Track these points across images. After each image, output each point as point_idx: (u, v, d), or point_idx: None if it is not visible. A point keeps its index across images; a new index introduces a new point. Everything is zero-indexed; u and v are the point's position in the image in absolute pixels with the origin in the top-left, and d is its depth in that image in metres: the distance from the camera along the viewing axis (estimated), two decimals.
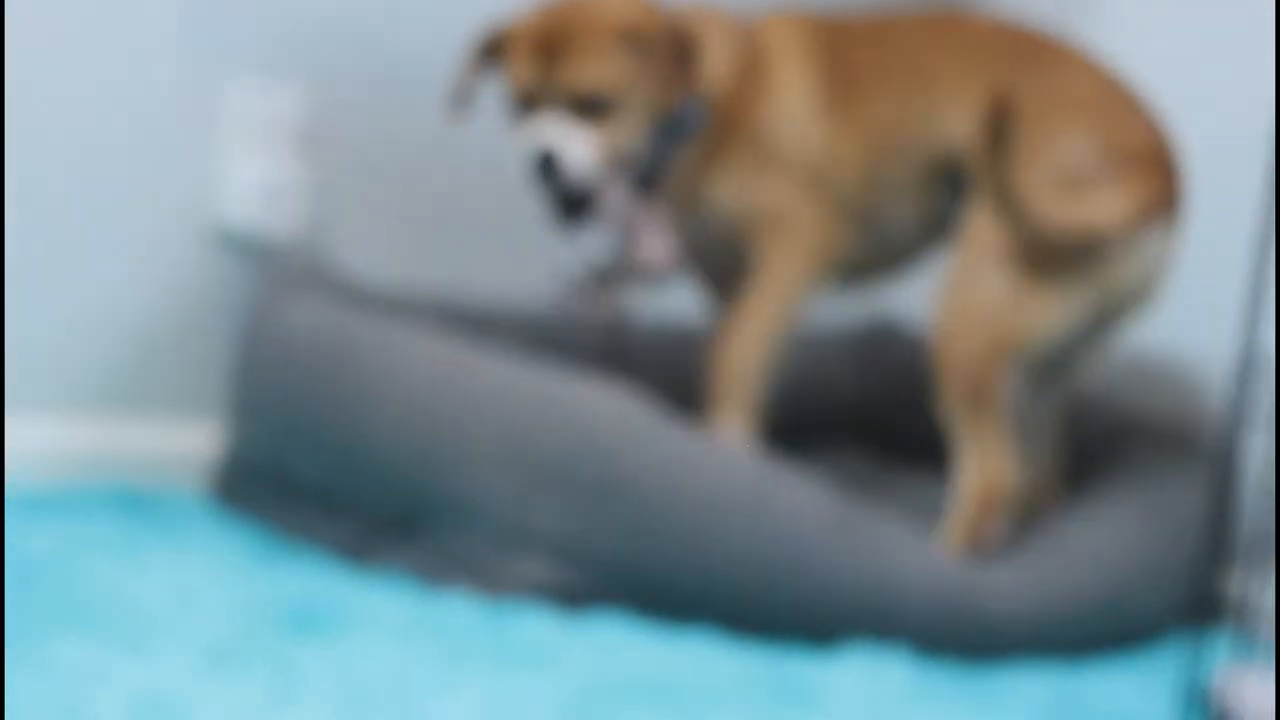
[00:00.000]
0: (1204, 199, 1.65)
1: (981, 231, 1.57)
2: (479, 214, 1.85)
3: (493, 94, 1.79)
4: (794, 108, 1.63)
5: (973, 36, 1.67)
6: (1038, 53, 1.64)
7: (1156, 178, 1.57)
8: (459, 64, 1.59)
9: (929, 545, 1.52)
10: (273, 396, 1.59)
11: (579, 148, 1.54)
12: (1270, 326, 1.40)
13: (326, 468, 1.54)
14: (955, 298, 1.58)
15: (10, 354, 1.60)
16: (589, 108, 1.54)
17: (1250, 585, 1.51)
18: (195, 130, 1.70)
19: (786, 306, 1.62)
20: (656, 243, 1.57)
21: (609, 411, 1.48)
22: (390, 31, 1.78)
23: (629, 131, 1.56)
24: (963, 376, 1.56)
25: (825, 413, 1.87)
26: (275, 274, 1.66)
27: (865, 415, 1.93)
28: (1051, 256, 1.54)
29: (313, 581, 1.44)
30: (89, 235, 1.66)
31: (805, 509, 1.48)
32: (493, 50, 1.58)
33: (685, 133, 1.59)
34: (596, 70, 1.54)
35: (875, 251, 1.69)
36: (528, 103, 1.56)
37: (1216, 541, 1.44)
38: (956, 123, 1.61)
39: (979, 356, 1.56)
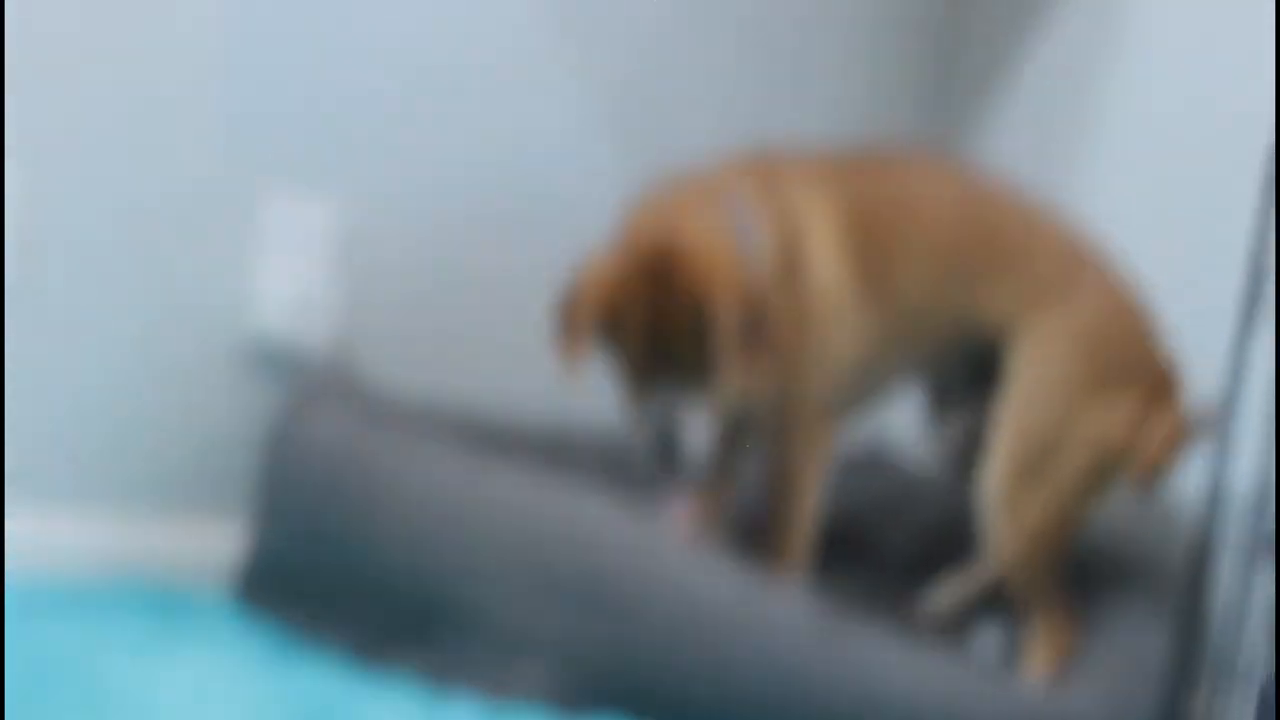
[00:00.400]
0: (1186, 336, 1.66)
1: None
2: (502, 328, 1.83)
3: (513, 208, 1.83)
4: (839, 307, 1.59)
5: (1002, 236, 1.64)
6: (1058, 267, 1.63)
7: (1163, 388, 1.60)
8: (559, 329, 1.50)
9: (916, 657, 1.50)
10: (294, 502, 1.59)
11: (698, 432, 1.51)
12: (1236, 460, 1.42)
13: (343, 572, 1.54)
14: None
15: (45, 452, 1.62)
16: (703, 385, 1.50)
17: (1218, 709, 1.51)
18: (230, 241, 1.70)
19: (823, 476, 1.63)
20: (681, 519, 1.59)
21: (607, 527, 1.48)
22: (423, 148, 1.79)
23: (728, 397, 1.51)
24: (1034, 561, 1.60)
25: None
26: (302, 385, 1.66)
27: (854, 535, 1.90)
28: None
29: (326, 683, 1.43)
30: (125, 341, 1.66)
31: (793, 620, 1.47)
32: (592, 311, 1.49)
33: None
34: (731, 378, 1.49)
35: (877, 398, 1.71)
36: (640, 379, 1.51)
37: (1185, 673, 1.45)
38: (985, 312, 1.62)
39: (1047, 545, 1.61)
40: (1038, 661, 1.63)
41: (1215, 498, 1.36)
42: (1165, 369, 1.61)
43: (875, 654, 1.49)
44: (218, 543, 1.69)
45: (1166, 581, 1.68)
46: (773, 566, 1.61)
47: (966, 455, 1.72)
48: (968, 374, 1.70)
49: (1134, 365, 1.61)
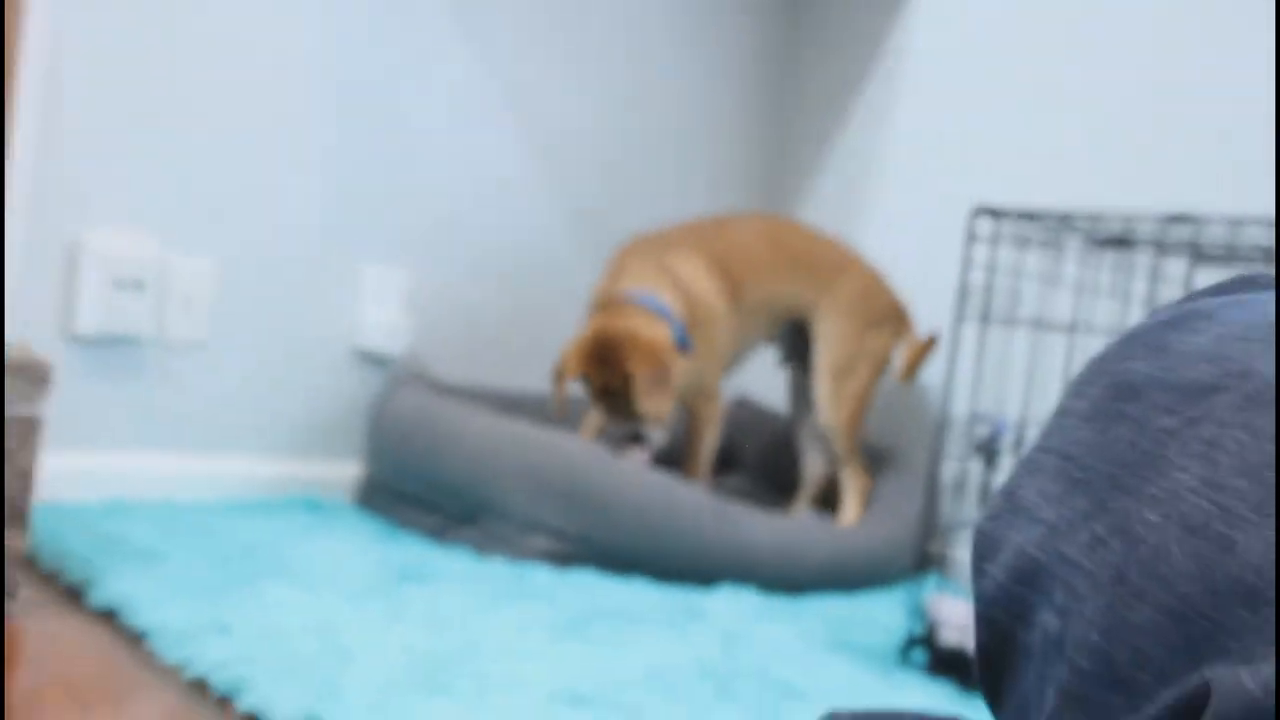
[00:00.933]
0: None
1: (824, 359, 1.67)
2: (507, 340, 1.84)
3: (518, 264, 1.85)
4: (718, 318, 1.61)
5: (798, 252, 1.68)
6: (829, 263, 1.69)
7: (902, 322, 1.69)
8: (553, 381, 1.53)
9: (772, 522, 1.52)
10: (390, 446, 1.59)
11: (636, 455, 1.52)
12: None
13: (421, 486, 1.54)
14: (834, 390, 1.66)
15: (240, 418, 1.60)
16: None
17: (947, 547, 1.55)
18: (345, 294, 1.70)
19: (718, 429, 1.66)
20: (636, 456, 1.58)
21: (583, 453, 1.49)
22: (460, 235, 1.78)
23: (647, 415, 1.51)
24: (849, 432, 1.65)
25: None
26: (390, 377, 1.66)
27: (731, 451, 1.92)
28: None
29: (413, 552, 1.41)
30: (289, 353, 1.65)
31: (699, 504, 1.48)
32: (568, 373, 1.51)
33: (685, 355, 1.58)
34: (648, 410, 1.49)
35: (740, 364, 1.74)
36: (601, 408, 1.52)
37: (928, 524, 1.50)
38: (798, 297, 1.67)
39: (855, 421, 1.66)
40: (849, 514, 1.67)
41: (944, 416, 1.39)
42: (903, 313, 1.69)
43: (747, 521, 1.51)
44: (345, 471, 1.68)
45: (918, 464, 1.73)
46: (689, 477, 1.63)
47: (798, 386, 1.77)
48: (793, 338, 1.75)
49: (885, 312, 1.67)
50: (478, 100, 1.76)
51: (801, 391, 1.79)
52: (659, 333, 1.51)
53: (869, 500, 1.68)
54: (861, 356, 1.66)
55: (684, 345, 1.57)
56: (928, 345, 1.61)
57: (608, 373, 1.49)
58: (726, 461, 1.88)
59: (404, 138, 1.70)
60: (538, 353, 1.76)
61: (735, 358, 1.70)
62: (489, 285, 1.80)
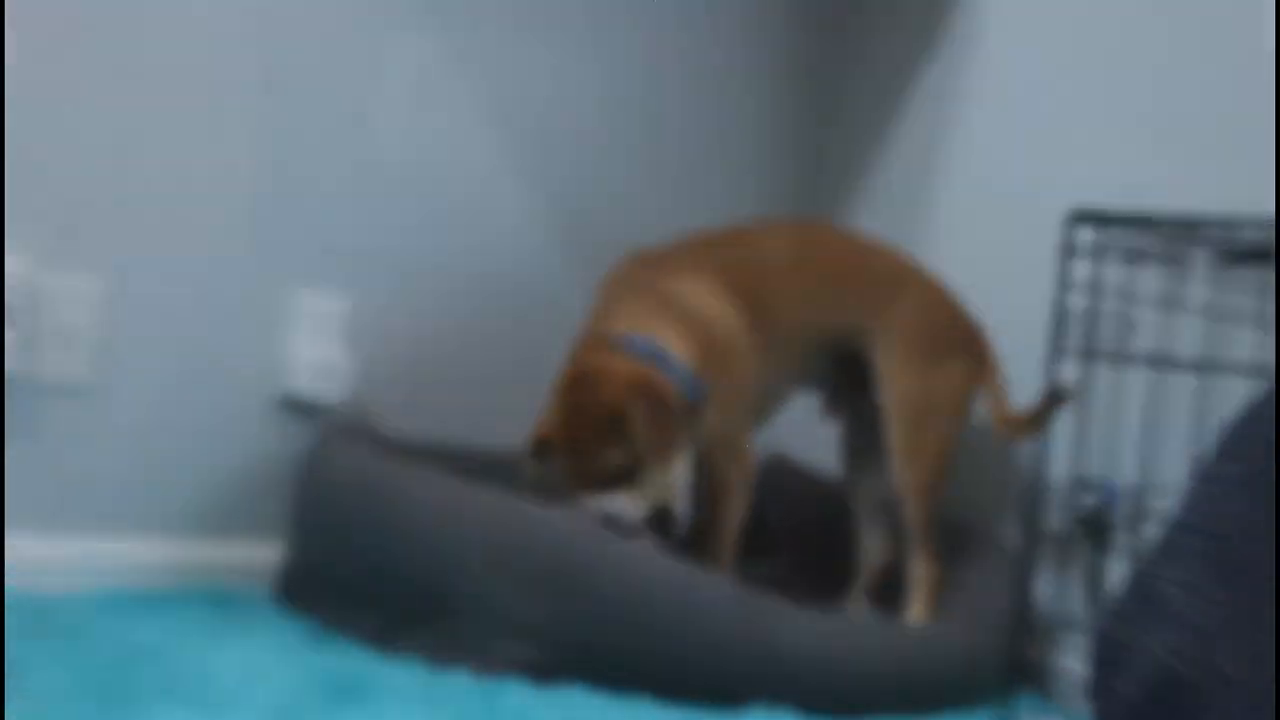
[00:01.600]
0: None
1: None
2: (475, 384, 1.84)
3: (485, 293, 1.84)
4: (739, 352, 1.61)
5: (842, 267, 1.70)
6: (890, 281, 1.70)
7: (981, 354, 1.70)
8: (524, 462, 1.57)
9: (817, 622, 1.51)
10: (319, 520, 1.58)
11: (627, 507, 1.52)
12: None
13: (358, 573, 1.52)
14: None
15: (130, 485, 1.61)
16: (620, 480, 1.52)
17: (1048, 655, 1.52)
18: (270, 324, 1.70)
19: (747, 497, 1.66)
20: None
21: (571, 530, 1.47)
22: (423, 248, 1.79)
23: (661, 475, 1.51)
24: (926, 500, 1.66)
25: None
26: (323, 429, 1.66)
27: (765, 530, 1.90)
28: None
29: (349, 661, 1.41)
30: (196, 401, 1.65)
31: (721, 600, 1.46)
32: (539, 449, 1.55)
33: (697, 408, 1.58)
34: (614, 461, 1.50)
35: (774, 410, 1.74)
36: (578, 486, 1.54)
37: (1021, 624, 1.45)
38: (843, 321, 1.68)
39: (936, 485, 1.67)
40: (918, 611, 1.66)
41: (1038, 480, 1.37)
42: (981, 342, 1.70)
43: (784, 620, 1.48)
44: (262, 554, 1.67)
45: (1004, 544, 1.71)
46: (709, 562, 1.61)
47: (853, 440, 1.78)
48: (840, 376, 1.74)
49: (959, 339, 1.69)
50: (443, 86, 1.78)
51: (858, 446, 1.79)
52: (653, 373, 1.51)
53: (942, 593, 1.68)
54: (937, 398, 1.67)
55: (694, 397, 1.56)
56: (1053, 401, 1.55)
57: (583, 425, 1.49)
58: (757, 541, 1.86)
59: (350, 130, 1.72)
60: (514, 401, 1.75)
61: (766, 402, 1.70)
62: (454, 315, 1.82)
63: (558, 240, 1.89)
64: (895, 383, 1.67)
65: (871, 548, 1.77)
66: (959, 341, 1.70)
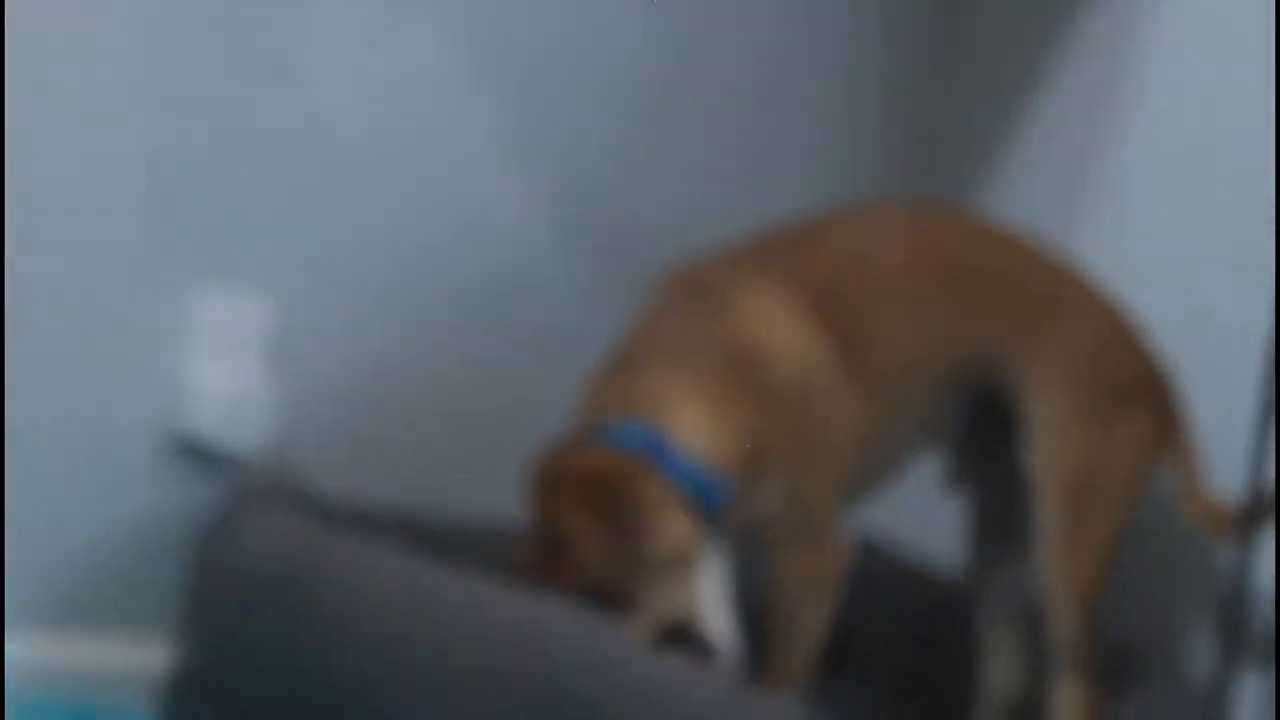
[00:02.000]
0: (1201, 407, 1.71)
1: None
2: (442, 430, 1.86)
3: (462, 303, 1.83)
4: (821, 392, 1.60)
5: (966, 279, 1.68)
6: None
7: (1169, 406, 1.69)
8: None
9: None
10: (225, 614, 1.55)
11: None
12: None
13: (278, 689, 1.50)
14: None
15: None
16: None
17: None
18: (158, 340, 1.73)
19: (830, 600, 1.63)
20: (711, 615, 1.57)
21: (578, 639, 1.43)
22: (358, 245, 1.82)
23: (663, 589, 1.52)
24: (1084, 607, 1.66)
25: None
26: (233, 487, 1.64)
27: (850, 643, 1.87)
28: None
29: None
30: (45, 443, 1.67)
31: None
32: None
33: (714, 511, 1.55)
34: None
35: (886, 480, 1.71)
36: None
37: None
38: (978, 347, 1.67)
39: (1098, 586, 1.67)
40: None
41: (1241, 587, 1.33)
42: (1169, 389, 1.69)
43: None
44: (142, 655, 1.67)
45: (1191, 687, 1.69)
46: (771, 684, 1.60)
47: (983, 521, 1.78)
48: (973, 431, 1.73)
49: (1141, 383, 1.69)
50: (407, 19, 1.77)
51: (990, 531, 1.76)
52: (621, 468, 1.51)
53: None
54: (1109, 464, 1.66)
55: (709, 498, 1.54)
56: (1262, 507, 1.57)
57: (539, 546, 1.52)
58: (843, 660, 1.83)
59: (273, 80, 1.73)
60: (495, 453, 1.76)
61: (868, 467, 1.66)
62: (416, 334, 1.83)
63: (570, 238, 1.91)
64: (1053, 439, 1.65)
65: (1002, 669, 1.75)
66: (1141, 387, 1.68)
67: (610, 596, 1.50)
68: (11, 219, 1.62)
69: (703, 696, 1.44)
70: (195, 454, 1.73)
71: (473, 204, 1.86)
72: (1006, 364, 1.66)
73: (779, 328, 1.58)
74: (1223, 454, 1.69)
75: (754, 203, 1.90)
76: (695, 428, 1.54)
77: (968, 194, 2.06)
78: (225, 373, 1.74)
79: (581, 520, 1.49)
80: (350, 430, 1.81)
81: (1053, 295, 1.68)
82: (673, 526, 1.52)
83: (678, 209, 1.94)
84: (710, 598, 1.55)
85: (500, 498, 1.78)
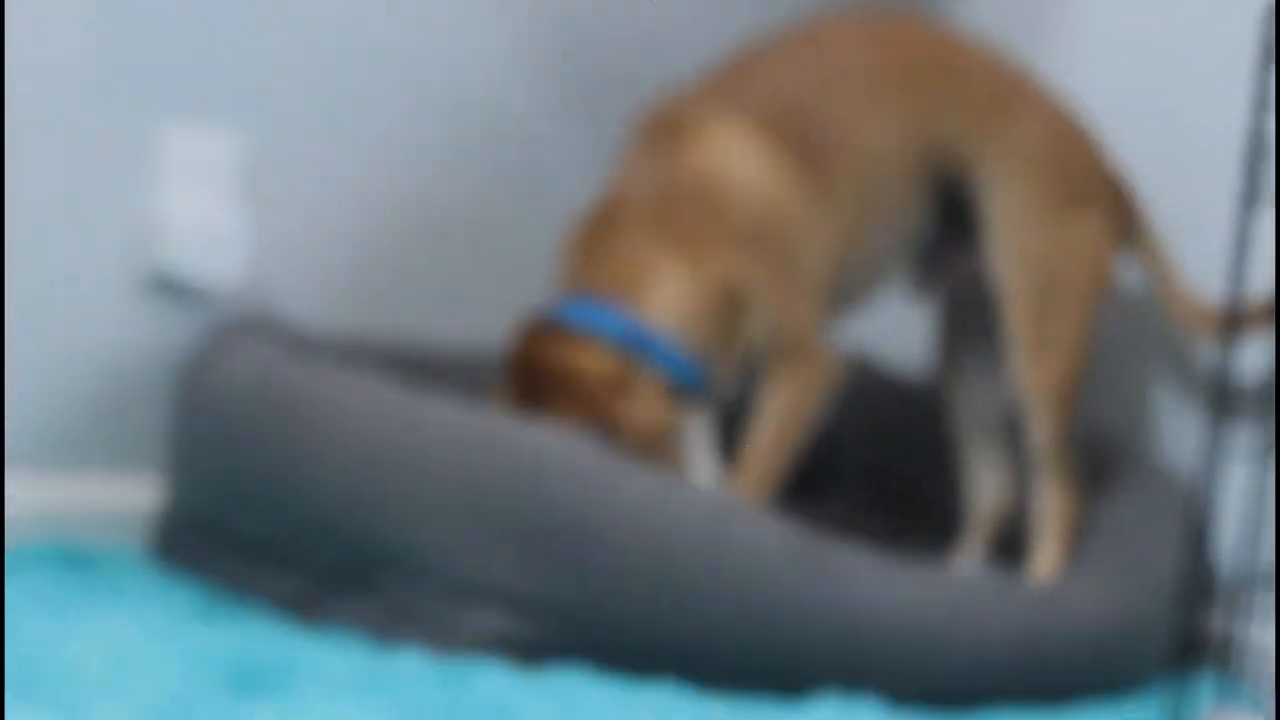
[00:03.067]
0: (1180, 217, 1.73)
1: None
2: (423, 261, 1.85)
3: (440, 129, 1.82)
4: (791, 219, 1.62)
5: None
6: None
7: (1122, 203, 1.71)
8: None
9: (901, 573, 1.51)
10: (211, 448, 1.57)
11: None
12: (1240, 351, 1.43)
13: (269, 520, 1.52)
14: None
15: None
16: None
17: (1233, 626, 1.52)
18: (128, 174, 1.70)
19: (814, 404, 1.66)
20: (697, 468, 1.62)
21: (562, 454, 1.46)
22: (332, 72, 1.78)
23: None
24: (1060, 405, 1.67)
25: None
26: (213, 321, 1.65)
27: (833, 457, 1.91)
28: None
29: (257, 639, 1.41)
30: (15, 284, 1.64)
31: (769, 544, 1.46)
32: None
33: (702, 397, 1.60)
34: None
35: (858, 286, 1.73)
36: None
37: (1197, 584, 1.46)
38: (944, 144, 1.68)
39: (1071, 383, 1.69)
40: (1046, 561, 1.67)
41: (1222, 377, 1.34)
42: (1122, 187, 1.71)
43: (856, 573, 1.48)
44: (132, 495, 1.67)
45: (1174, 482, 1.72)
46: (740, 488, 1.62)
47: (953, 326, 1.81)
48: (940, 237, 1.75)
49: (1094, 181, 1.71)
50: None
51: (961, 337, 1.78)
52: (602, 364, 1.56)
53: (1084, 539, 1.68)
54: (1072, 261, 1.69)
55: (691, 381, 1.59)
56: (1263, 311, 1.57)
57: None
58: (821, 470, 1.85)
59: None
60: (477, 285, 1.77)
61: (844, 279, 1.68)
62: (395, 164, 1.80)
63: (544, 65, 1.88)
64: (1015, 236, 1.68)
65: (985, 481, 1.78)
66: (1095, 187, 1.70)
67: None
68: None
69: (692, 510, 1.48)
70: (171, 288, 1.72)
71: (447, 31, 1.84)
72: (966, 160, 1.69)
73: (741, 158, 1.62)
74: (1194, 261, 1.71)
75: (727, 23, 1.88)
76: (672, 303, 1.58)
77: (932, 5, 2.05)
78: (198, 205, 1.72)
79: (562, 415, 1.53)
80: (324, 261, 1.81)
81: (1009, 95, 1.70)
82: (652, 413, 1.57)
83: (646, 32, 1.93)
84: (698, 457, 1.60)
85: (476, 327, 1.81)
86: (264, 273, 1.76)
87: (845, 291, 1.70)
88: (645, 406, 1.55)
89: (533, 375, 1.57)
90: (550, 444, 1.47)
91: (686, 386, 1.59)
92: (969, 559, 1.76)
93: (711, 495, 1.51)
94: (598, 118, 1.85)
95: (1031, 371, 1.68)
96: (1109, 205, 1.71)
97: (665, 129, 1.64)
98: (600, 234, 1.61)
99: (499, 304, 1.74)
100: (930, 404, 1.84)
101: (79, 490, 1.68)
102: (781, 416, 1.65)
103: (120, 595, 1.51)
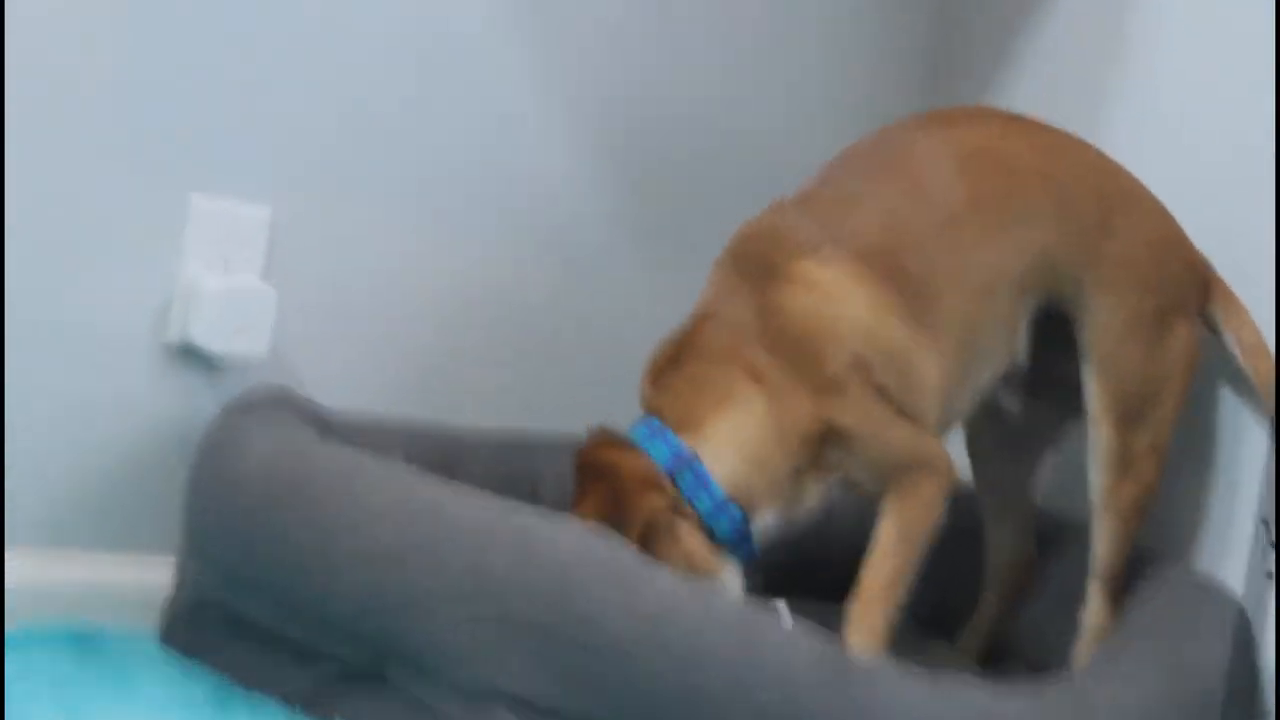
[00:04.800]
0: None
1: None
2: (453, 342, 1.87)
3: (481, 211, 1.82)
4: (905, 358, 1.58)
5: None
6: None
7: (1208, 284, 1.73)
8: None
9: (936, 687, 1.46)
10: (227, 531, 1.55)
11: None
12: None
13: (283, 609, 1.50)
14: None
15: None
16: None
17: None
18: (153, 242, 1.70)
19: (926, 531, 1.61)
20: None
21: (586, 555, 1.43)
22: (367, 149, 1.80)
23: None
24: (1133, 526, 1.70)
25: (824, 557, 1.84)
26: (233, 400, 1.65)
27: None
28: None
29: None
30: (38, 354, 1.64)
31: (799, 652, 1.42)
32: None
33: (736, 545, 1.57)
34: None
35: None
36: None
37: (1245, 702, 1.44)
38: (1045, 272, 1.65)
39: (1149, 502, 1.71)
40: (1085, 646, 1.71)
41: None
42: (1207, 269, 1.73)
43: (888, 685, 1.44)
44: (142, 578, 1.66)
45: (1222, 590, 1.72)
46: (851, 635, 1.59)
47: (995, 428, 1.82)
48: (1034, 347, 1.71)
49: (1191, 285, 1.71)
50: None
51: (999, 435, 1.81)
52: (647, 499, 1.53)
53: (1122, 640, 1.65)
54: (1163, 376, 1.69)
55: (727, 531, 1.56)
56: None
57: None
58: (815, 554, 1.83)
59: None
60: (510, 372, 1.81)
61: (952, 405, 1.65)
62: (427, 241, 1.82)
63: (587, 145, 1.91)
64: (1112, 354, 1.67)
65: (1005, 539, 1.85)
66: (1192, 291, 1.71)
67: None
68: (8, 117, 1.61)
69: (717, 620, 1.44)
70: (189, 361, 1.72)
71: (480, 106, 1.86)
72: (1068, 277, 1.66)
73: (841, 296, 1.56)
74: None
75: (774, 102, 1.95)
76: (734, 445, 1.55)
77: (988, 85, 2.07)
78: (223, 276, 1.72)
79: (592, 506, 1.53)
80: (348, 339, 1.83)
81: (1105, 199, 1.67)
82: (685, 546, 1.53)
83: (693, 111, 1.95)
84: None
85: (499, 411, 1.84)
86: (289, 348, 1.77)
87: (950, 420, 1.67)
88: (685, 536, 1.52)
89: (583, 473, 1.56)
90: (576, 546, 1.45)
91: (723, 532, 1.56)
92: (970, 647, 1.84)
93: (737, 603, 1.49)
94: (627, 202, 1.89)
95: (1112, 488, 1.69)
96: (1199, 305, 1.72)
97: (757, 262, 1.60)
98: (678, 362, 1.59)
99: (522, 400, 1.79)
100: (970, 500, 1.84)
101: (90, 570, 1.69)
102: (899, 537, 1.60)
103: (128, 682, 1.50)
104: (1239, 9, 1.79)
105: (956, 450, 1.84)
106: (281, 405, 1.63)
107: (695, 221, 1.83)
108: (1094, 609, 1.70)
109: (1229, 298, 1.72)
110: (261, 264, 1.74)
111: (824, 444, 1.56)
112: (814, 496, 1.60)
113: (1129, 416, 1.68)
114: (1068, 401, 1.73)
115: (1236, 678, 1.57)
